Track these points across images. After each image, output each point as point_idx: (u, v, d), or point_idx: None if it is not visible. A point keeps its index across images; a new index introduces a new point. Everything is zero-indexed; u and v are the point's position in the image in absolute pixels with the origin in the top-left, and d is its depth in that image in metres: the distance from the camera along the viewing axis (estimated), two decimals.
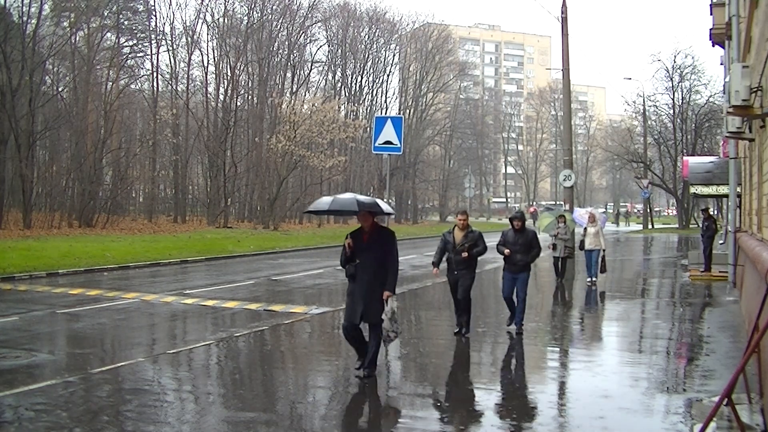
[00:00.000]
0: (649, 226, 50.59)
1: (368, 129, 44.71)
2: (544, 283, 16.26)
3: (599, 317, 12.15)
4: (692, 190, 20.89)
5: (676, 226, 49.93)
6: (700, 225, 19.61)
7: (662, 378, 7.27)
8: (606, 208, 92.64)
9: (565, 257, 15.74)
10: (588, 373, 7.55)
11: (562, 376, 7.63)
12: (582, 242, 15.48)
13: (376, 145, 12.66)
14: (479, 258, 9.18)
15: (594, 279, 15.26)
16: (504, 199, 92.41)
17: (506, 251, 9.15)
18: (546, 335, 10.03)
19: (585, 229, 15.55)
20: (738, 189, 14.58)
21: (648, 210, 53.31)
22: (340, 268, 7.28)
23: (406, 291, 14.05)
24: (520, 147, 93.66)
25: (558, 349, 9.28)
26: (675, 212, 74.07)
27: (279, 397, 6.68)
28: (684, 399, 6.40)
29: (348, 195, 7.03)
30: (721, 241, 20.21)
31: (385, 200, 16.14)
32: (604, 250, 15.25)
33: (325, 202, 7.12)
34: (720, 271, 16.24)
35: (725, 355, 8.15)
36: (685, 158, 27.04)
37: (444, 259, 9.17)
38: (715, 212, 44.41)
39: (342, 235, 7.38)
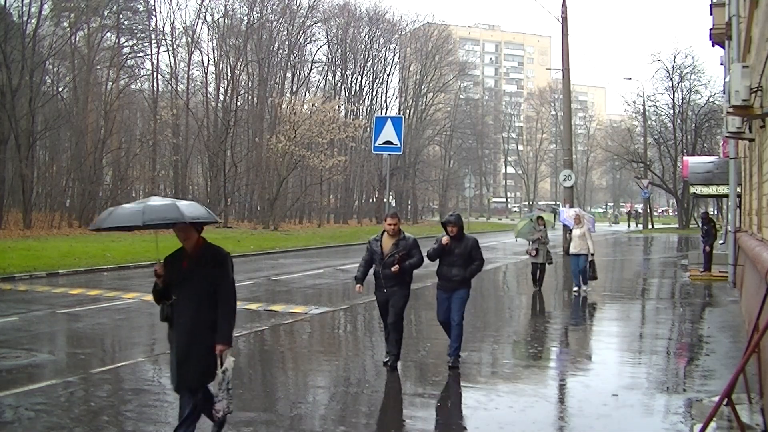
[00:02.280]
0: (649, 226, 50.65)
1: (368, 129, 44.73)
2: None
3: (590, 325, 12.15)
4: (692, 190, 20.89)
5: (676, 226, 49.98)
6: (700, 227, 19.62)
7: (662, 378, 7.28)
8: (606, 209, 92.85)
9: (545, 263, 14.01)
10: (587, 374, 7.55)
11: (561, 377, 7.63)
12: (567, 246, 14.20)
13: (376, 145, 12.66)
14: (414, 272, 7.50)
15: (581, 287, 13.74)
16: (504, 199, 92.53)
17: (445, 239, 7.34)
18: (537, 343, 10.03)
19: (570, 231, 14.22)
20: (738, 189, 14.58)
21: (648, 210, 53.32)
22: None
23: None
24: (520, 147, 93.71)
25: (556, 349, 9.29)
26: (673, 212, 74.17)
27: (279, 397, 6.68)
28: (684, 399, 6.40)
29: (131, 207, 4.61)
30: (721, 241, 20.21)
31: (386, 200, 15.87)
32: (592, 254, 13.75)
33: (101, 220, 4.70)
34: (720, 271, 16.24)
35: (725, 355, 8.15)
36: (685, 158, 27.05)
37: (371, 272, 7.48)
38: (715, 212, 44.49)
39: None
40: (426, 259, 7.44)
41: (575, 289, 13.81)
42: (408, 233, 7.45)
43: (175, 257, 4.72)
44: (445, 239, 7.32)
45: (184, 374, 4.56)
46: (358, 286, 7.49)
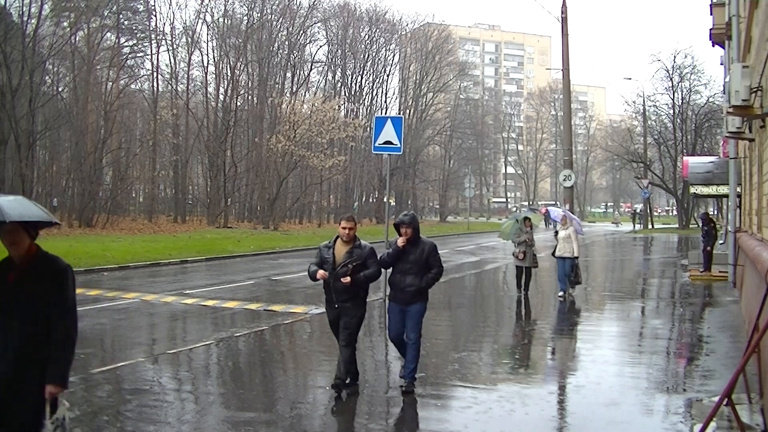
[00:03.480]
0: (649, 226, 50.65)
1: (368, 129, 44.72)
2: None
3: (590, 325, 12.14)
4: (692, 190, 20.89)
5: (676, 226, 49.97)
6: (700, 227, 19.63)
7: (662, 378, 7.28)
8: (606, 209, 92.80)
9: (530, 267, 13.40)
10: (586, 374, 7.55)
11: (560, 377, 7.63)
12: (555, 248, 13.43)
13: (376, 145, 12.63)
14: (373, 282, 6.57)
15: (565, 292, 13.04)
16: (504, 199, 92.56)
17: (400, 241, 6.41)
18: (536, 344, 10.02)
19: (556, 233, 13.56)
20: (738, 189, 14.58)
21: (648, 210, 53.30)
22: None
23: None
24: (520, 147, 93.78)
25: (556, 350, 9.29)
26: (670, 213, 74.03)
27: (279, 397, 6.68)
28: (684, 399, 6.40)
29: None
30: (721, 241, 20.21)
31: (386, 200, 15.66)
32: (576, 258, 13.04)
33: None
34: (720, 271, 16.24)
35: (725, 355, 8.15)
36: (685, 158, 27.05)
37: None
38: (715, 212, 44.50)
39: None
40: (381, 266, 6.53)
41: (560, 294, 13.07)
42: (364, 241, 6.53)
43: (2, 268, 3.70)
44: (400, 241, 6.41)
45: (10, 415, 3.54)
46: (321, 272, 6.31)
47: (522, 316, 11.98)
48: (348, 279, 6.22)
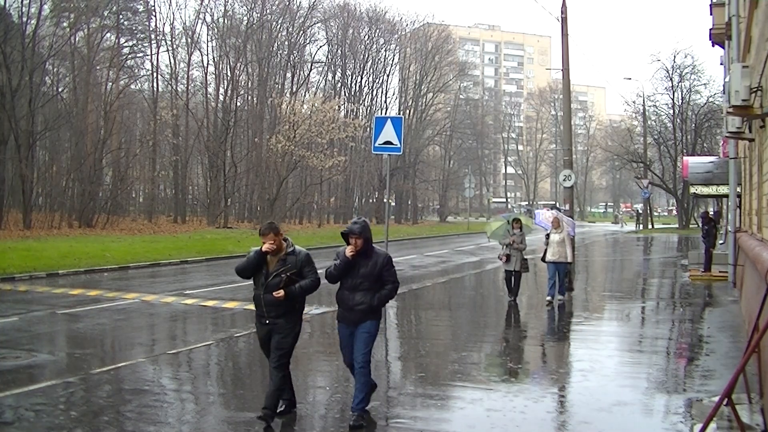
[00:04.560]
0: (649, 226, 50.63)
1: (368, 129, 44.72)
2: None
3: (590, 325, 12.13)
4: (692, 190, 20.89)
5: (676, 226, 49.97)
6: (701, 227, 19.64)
7: (662, 378, 7.28)
8: (606, 209, 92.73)
9: (519, 271, 12.48)
10: (586, 374, 7.55)
11: (561, 377, 7.63)
12: (544, 252, 12.59)
13: (376, 145, 12.64)
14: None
15: (558, 297, 12.54)
16: (504, 199, 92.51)
17: (349, 250, 5.61)
18: (536, 345, 10.02)
19: (547, 235, 12.59)
20: (738, 189, 14.59)
21: (648, 210, 53.26)
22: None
23: (407, 291, 14.02)
24: (520, 147, 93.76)
25: (555, 350, 9.29)
26: (669, 213, 73.92)
27: None
28: (684, 399, 6.41)
29: None
30: (721, 241, 20.21)
31: (386, 200, 15.72)
32: (570, 263, 12.58)
33: None
34: (720, 271, 16.25)
35: (725, 355, 8.15)
36: (685, 158, 27.05)
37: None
38: (714, 212, 44.54)
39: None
40: (326, 280, 5.79)
41: (548, 298, 12.41)
42: (299, 246, 5.79)
43: None
44: (348, 250, 5.60)
45: None
46: (266, 245, 5.60)
47: (521, 318, 11.97)
48: (281, 293, 5.52)
